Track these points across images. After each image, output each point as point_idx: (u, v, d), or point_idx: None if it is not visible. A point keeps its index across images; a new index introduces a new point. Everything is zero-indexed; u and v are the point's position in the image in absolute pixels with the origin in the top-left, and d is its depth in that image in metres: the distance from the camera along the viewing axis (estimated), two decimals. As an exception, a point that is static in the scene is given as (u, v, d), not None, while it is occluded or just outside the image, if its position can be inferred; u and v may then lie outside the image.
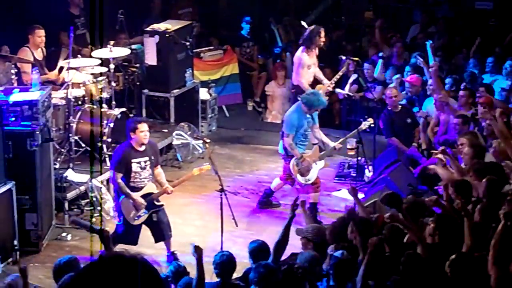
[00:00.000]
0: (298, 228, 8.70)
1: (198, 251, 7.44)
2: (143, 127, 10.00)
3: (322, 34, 13.02)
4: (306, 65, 12.95)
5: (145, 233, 10.22)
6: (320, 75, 13.26)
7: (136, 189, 10.02)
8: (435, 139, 12.47)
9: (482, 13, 16.46)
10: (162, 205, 10.17)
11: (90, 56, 12.16)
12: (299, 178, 11.20)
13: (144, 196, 10.03)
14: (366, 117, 12.18)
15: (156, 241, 10.20)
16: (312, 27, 13.25)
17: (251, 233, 10.75)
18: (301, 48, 13.08)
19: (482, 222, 7.97)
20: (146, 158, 10.04)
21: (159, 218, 10.12)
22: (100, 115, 12.08)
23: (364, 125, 11.71)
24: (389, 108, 12.78)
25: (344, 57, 14.11)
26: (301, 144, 11.24)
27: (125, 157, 9.95)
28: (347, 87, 13.95)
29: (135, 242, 10.06)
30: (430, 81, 13.04)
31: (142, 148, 10.03)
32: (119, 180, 9.96)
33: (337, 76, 13.30)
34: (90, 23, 11.73)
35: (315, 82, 13.18)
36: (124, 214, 10.05)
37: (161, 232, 10.15)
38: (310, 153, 11.27)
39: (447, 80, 13.19)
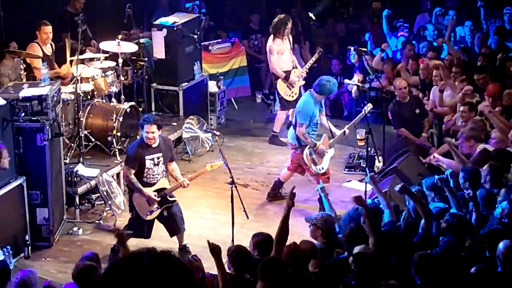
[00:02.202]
0: (307, 216, 8.70)
1: (214, 252, 7.26)
2: (150, 128, 9.83)
3: (289, 24, 13.29)
4: (275, 51, 13.25)
5: (156, 227, 10.23)
6: (296, 63, 13.51)
7: (148, 184, 10.01)
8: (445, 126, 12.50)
9: None
10: (175, 200, 10.16)
11: (97, 51, 12.17)
12: (313, 167, 11.18)
13: (157, 191, 10.02)
14: (365, 102, 12.15)
15: (172, 235, 10.19)
16: (282, 16, 13.41)
17: (261, 225, 10.74)
18: (271, 36, 13.37)
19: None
20: (160, 154, 10.02)
21: (172, 212, 10.11)
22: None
23: (365, 110, 11.67)
24: (398, 99, 12.76)
25: (352, 48, 14.09)
26: (313, 133, 11.21)
27: (138, 154, 9.92)
28: (355, 77, 13.96)
29: (148, 236, 10.07)
30: (435, 72, 13.02)
31: (156, 144, 10.00)
32: (132, 176, 9.94)
33: (310, 62, 13.43)
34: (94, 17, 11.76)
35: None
36: (137, 209, 10.05)
37: (176, 225, 10.14)
38: (320, 141, 11.25)
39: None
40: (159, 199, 10.00)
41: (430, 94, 13.31)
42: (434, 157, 10.83)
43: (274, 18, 13.48)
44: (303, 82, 13.35)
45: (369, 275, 7.08)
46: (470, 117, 11.44)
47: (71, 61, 12.36)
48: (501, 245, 7.09)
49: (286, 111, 13.71)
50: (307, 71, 13.45)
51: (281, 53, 13.28)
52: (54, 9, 13.52)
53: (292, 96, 13.34)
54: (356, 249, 7.37)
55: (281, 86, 13.35)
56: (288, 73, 13.30)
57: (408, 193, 8.37)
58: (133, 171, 9.93)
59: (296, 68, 13.48)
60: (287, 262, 7.25)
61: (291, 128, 11.43)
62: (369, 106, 11.70)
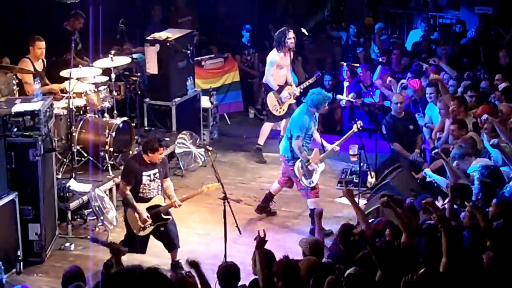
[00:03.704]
0: (302, 239, 8.64)
1: (193, 267, 7.36)
2: (163, 150, 10.17)
3: (290, 35, 13.22)
4: (276, 63, 13.23)
5: (150, 242, 10.21)
6: (291, 80, 13.49)
7: (144, 199, 10.02)
8: (438, 144, 12.48)
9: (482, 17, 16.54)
10: (168, 218, 10.16)
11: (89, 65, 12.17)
12: (304, 181, 11.18)
13: (151, 208, 10.02)
14: (356, 119, 12.17)
15: (169, 250, 10.21)
16: (281, 29, 13.39)
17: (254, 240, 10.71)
18: (274, 49, 13.32)
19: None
20: (156, 170, 10.07)
21: (167, 228, 10.13)
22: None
23: (356, 127, 11.69)
24: (393, 114, 12.81)
25: (344, 64, 14.16)
26: (306, 146, 11.22)
27: (136, 170, 9.97)
28: (345, 93, 14.03)
29: (143, 251, 10.07)
30: (428, 90, 13.05)
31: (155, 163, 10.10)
32: (128, 192, 9.95)
33: (306, 83, 13.43)
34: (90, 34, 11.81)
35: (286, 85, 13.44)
36: (130, 224, 10.04)
37: (170, 241, 10.16)
38: (312, 156, 11.25)
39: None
40: (151, 220, 10.01)
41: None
42: (425, 173, 10.83)
43: (271, 35, 13.51)
44: (294, 101, 13.33)
45: None
46: (460, 134, 11.46)
47: (62, 79, 12.33)
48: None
49: (271, 124, 13.72)
50: (301, 91, 13.40)
51: (280, 67, 13.26)
52: (48, 25, 13.50)
53: (280, 112, 13.34)
54: (349, 271, 7.32)
55: (271, 99, 13.34)
56: (281, 88, 13.31)
57: (390, 207, 8.31)
58: (129, 187, 9.95)
59: (291, 85, 13.46)
60: (279, 276, 7.27)
61: (284, 140, 11.41)
62: (360, 123, 11.72)
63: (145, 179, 9.97)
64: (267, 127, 13.82)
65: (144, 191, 10.02)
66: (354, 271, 7.18)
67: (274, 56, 13.25)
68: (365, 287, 7.07)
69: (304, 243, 8.28)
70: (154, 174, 10.04)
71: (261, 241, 7.61)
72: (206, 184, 10.44)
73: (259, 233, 7.69)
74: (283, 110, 13.32)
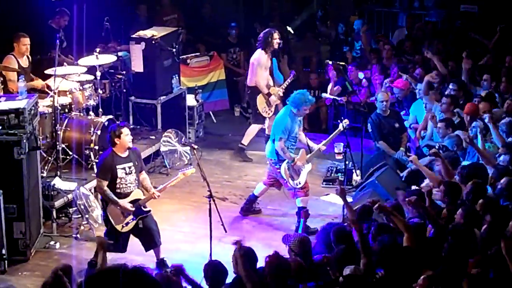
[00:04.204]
0: (285, 235, 8.63)
1: (178, 273, 7.40)
2: (126, 130, 9.99)
3: (276, 35, 13.18)
4: (263, 65, 13.18)
5: (134, 240, 10.18)
6: (270, 81, 13.47)
7: (122, 195, 9.98)
8: (422, 143, 12.53)
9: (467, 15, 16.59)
10: (149, 210, 10.13)
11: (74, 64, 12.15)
12: (291, 182, 11.18)
13: (131, 202, 9.99)
14: (342, 118, 12.18)
15: (147, 249, 10.13)
16: (266, 30, 13.37)
17: (239, 238, 10.70)
18: (259, 49, 13.25)
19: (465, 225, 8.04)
20: (131, 164, 10.02)
21: (147, 225, 10.06)
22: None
23: (342, 126, 11.70)
24: (378, 112, 12.82)
25: (330, 62, 14.16)
26: (291, 147, 11.22)
27: (109, 164, 9.91)
28: (328, 90, 14.05)
29: (123, 250, 10.02)
30: (419, 86, 13.10)
31: (125, 154, 10.00)
32: (105, 188, 9.91)
33: (285, 84, 13.46)
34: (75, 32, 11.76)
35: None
36: (112, 222, 10.00)
37: (151, 238, 10.09)
38: (298, 156, 11.25)
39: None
40: (134, 209, 9.96)
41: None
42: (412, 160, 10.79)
43: (256, 33, 13.48)
44: (279, 101, 13.34)
45: None
46: (446, 133, 11.52)
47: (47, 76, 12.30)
48: None
49: (259, 126, 13.71)
50: (283, 91, 13.43)
51: (265, 69, 13.25)
52: (32, 23, 13.44)
53: (268, 114, 13.34)
54: (347, 271, 7.31)
55: (260, 100, 13.32)
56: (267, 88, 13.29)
57: (385, 211, 8.33)
58: (106, 183, 9.90)
59: (273, 86, 13.43)
60: (270, 271, 7.28)
61: (269, 143, 11.42)
62: (345, 122, 11.73)
63: (120, 173, 9.92)
64: (254, 129, 13.79)
65: (121, 186, 9.97)
66: (352, 271, 7.20)
67: (261, 57, 13.17)
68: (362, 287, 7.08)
69: (293, 241, 8.29)
70: (129, 167, 10.00)
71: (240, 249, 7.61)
72: (181, 171, 10.38)
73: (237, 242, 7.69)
74: (272, 111, 13.32)
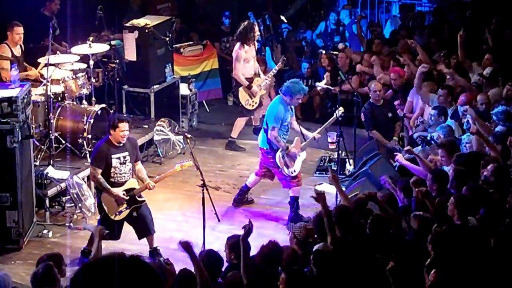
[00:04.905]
0: (288, 222, 8.70)
1: (185, 246, 7.33)
2: (124, 126, 9.89)
3: (256, 28, 13.30)
4: (242, 59, 13.20)
5: (127, 229, 10.19)
6: (258, 70, 13.51)
7: (117, 184, 9.97)
8: (416, 131, 12.53)
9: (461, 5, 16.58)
10: (143, 200, 10.12)
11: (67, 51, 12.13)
12: (286, 170, 11.18)
13: (126, 192, 9.98)
14: (337, 106, 12.18)
15: (140, 237, 10.13)
16: (245, 22, 13.41)
17: (233, 227, 10.72)
18: (237, 43, 13.29)
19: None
20: (126, 153, 10.00)
21: (141, 214, 10.07)
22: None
23: (336, 114, 11.71)
24: (372, 101, 12.83)
25: (323, 51, 14.16)
26: (284, 136, 11.22)
27: (104, 153, 9.90)
28: (324, 80, 14.03)
29: (117, 238, 10.02)
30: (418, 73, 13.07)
31: (121, 143, 9.99)
32: (99, 176, 9.89)
33: (274, 71, 13.49)
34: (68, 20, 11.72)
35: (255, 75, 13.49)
36: (105, 210, 9.99)
37: (145, 227, 10.09)
38: (293, 145, 11.27)
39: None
40: (128, 198, 9.96)
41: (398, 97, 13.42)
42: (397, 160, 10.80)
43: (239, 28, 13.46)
44: (264, 92, 13.34)
45: (327, 272, 7.15)
46: (438, 121, 11.53)
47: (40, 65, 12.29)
48: None
49: (245, 118, 13.71)
50: (270, 78, 13.45)
51: (247, 61, 13.24)
52: (25, 11, 13.40)
53: (252, 106, 13.34)
54: (316, 247, 7.42)
55: (242, 94, 13.33)
56: (250, 80, 13.29)
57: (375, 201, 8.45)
58: (100, 171, 9.88)
59: (259, 75, 13.45)
60: (262, 260, 7.34)
61: (262, 133, 11.42)
62: (340, 110, 11.74)
63: (115, 162, 9.91)
64: (240, 122, 13.79)
65: (115, 175, 9.96)
66: (321, 247, 7.32)
67: (239, 51, 13.21)
68: (333, 263, 7.18)
69: (298, 228, 8.35)
70: (124, 157, 9.98)
71: (248, 232, 7.60)
72: (179, 163, 10.39)
73: (249, 223, 7.68)
74: (256, 103, 13.33)
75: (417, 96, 12.84)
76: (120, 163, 9.96)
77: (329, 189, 11.55)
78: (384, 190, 9.88)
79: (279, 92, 11.42)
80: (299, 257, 7.75)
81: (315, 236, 8.24)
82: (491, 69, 12.62)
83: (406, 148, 10.94)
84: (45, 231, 10.90)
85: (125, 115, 10.46)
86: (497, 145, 9.90)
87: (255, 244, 7.89)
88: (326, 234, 8.00)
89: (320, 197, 8.24)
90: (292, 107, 11.38)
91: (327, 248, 7.43)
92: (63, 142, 11.77)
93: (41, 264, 7.36)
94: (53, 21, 12.99)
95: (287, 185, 11.29)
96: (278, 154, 11.15)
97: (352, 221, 8.20)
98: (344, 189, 11.41)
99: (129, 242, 10.11)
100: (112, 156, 9.89)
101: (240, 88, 13.30)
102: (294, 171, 11.24)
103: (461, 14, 16.13)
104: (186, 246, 7.30)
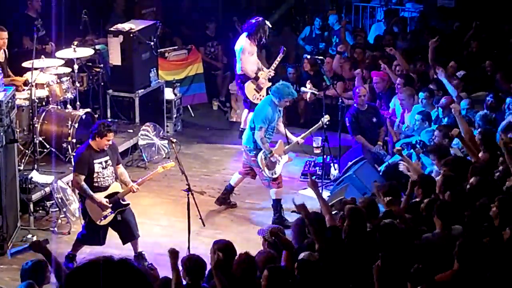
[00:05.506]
0: (259, 230, 8.65)
1: (172, 256, 7.38)
2: (111, 136, 9.94)
3: (266, 31, 13.28)
4: (247, 51, 13.15)
5: (111, 234, 10.16)
6: (260, 64, 13.50)
7: (100, 188, 9.95)
8: (401, 134, 12.60)
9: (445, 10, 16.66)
10: (128, 204, 10.11)
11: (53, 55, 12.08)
12: (266, 171, 11.20)
13: (109, 196, 9.96)
14: (323, 114, 12.22)
15: (124, 242, 10.10)
16: (260, 19, 13.34)
17: (218, 232, 10.74)
18: (244, 34, 13.26)
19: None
20: (107, 158, 9.98)
21: (126, 218, 10.04)
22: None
23: (322, 121, 11.74)
24: (356, 106, 12.86)
25: (308, 56, 14.19)
26: (268, 137, 11.23)
27: (86, 159, 9.87)
28: (308, 85, 14.05)
29: (102, 243, 10.00)
30: (398, 80, 13.13)
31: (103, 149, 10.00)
32: (83, 183, 9.86)
33: (276, 62, 13.48)
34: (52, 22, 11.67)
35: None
36: (90, 215, 9.96)
37: (130, 231, 10.07)
38: (276, 147, 11.28)
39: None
40: (111, 205, 9.94)
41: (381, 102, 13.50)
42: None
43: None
44: (269, 84, 13.25)
45: (313, 283, 7.14)
46: (422, 127, 11.61)
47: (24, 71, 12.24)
48: None
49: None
50: (274, 71, 13.44)
51: (251, 54, 13.20)
52: (8, 14, 13.36)
53: (259, 99, 13.24)
54: (301, 256, 7.41)
55: (249, 89, 13.28)
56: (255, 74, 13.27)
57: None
58: (83, 177, 9.85)
59: (262, 70, 13.44)
60: (237, 270, 7.34)
61: (247, 130, 11.41)
62: (326, 117, 11.77)
63: (97, 167, 9.90)
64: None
65: (98, 180, 9.94)
66: (306, 257, 7.30)
67: (244, 43, 13.14)
68: (318, 273, 7.18)
69: (266, 231, 8.32)
70: (106, 161, 9.96)
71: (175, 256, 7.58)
72: (161, 164, 10.39)
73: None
74: (263, 96, 13.18)
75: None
76: (103, 168, 9.94)
77: (313, 194, 11.60)
78: (367, 195, 9.89)
79: (269, 92, 11.44)
80: (276, 258, 7.77)
81: (283, 234, 8.21)
82: (464, 72, 12.84)
83: (394, 149, 10.94)
84: (29, 236, 10.84)
85: (110, 123, 10.38)
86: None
87: (241, 249, 7.87)
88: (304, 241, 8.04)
89: (299, 208, 8.21)
90: (280, 109, 11.39)
91: (312, 258, 7.41)
92: (48, 146, 11.74)
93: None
94: (37, 22, 12.90)
95: (268, 186, 11.32)
96: (260, 154, 11.15)
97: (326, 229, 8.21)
98: (329, 193, 11.47)
99: (114, 247, 10.07)
100: (94, 161, 9.87)
101: (248, 82, 13.25)
102: (275, 173, 11.26)
103: (444, 19, 16.21)
104: (173, 255, 7.34)
